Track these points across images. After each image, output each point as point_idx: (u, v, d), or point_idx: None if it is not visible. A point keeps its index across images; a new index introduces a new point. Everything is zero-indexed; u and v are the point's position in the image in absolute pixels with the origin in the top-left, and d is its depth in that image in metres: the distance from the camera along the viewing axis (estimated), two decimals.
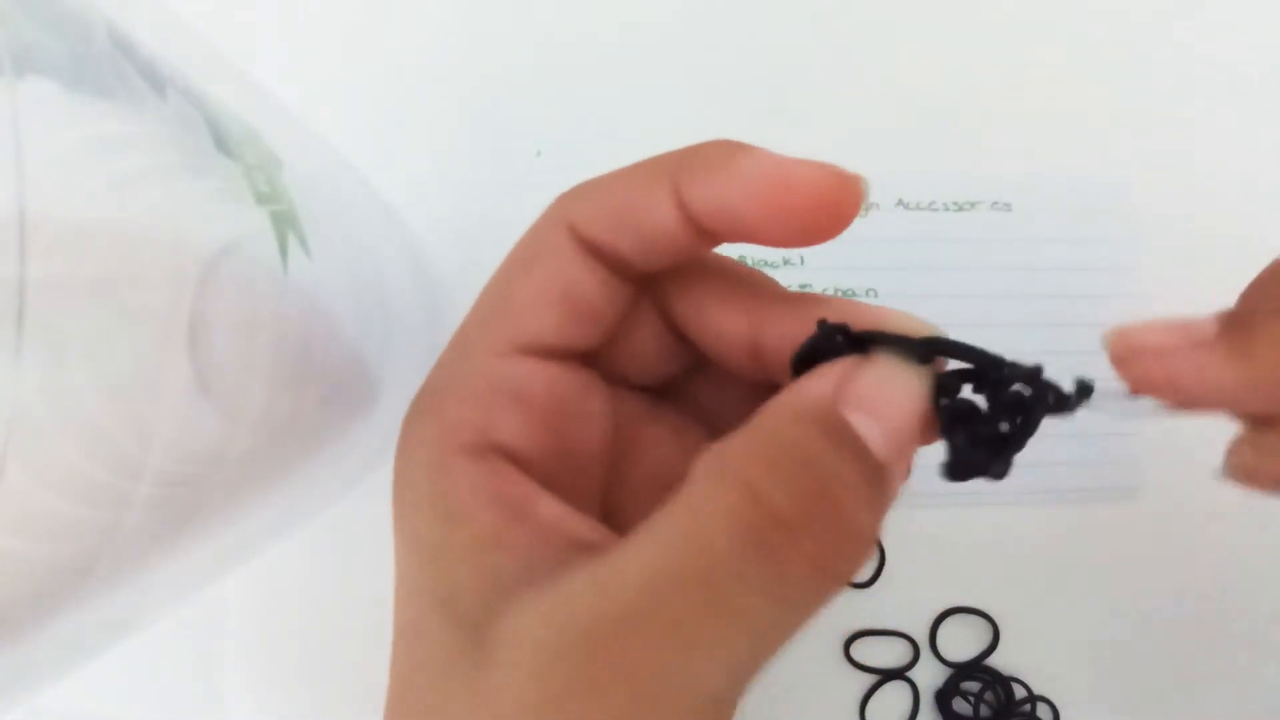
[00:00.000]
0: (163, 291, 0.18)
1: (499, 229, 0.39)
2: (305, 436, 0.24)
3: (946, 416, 0.17)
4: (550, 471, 0.20)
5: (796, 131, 0.38)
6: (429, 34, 0.39)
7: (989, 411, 0.17)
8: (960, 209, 0.37)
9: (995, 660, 0.35)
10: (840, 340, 0.18)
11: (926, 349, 0.17)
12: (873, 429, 0.16)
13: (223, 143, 0.20)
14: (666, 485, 0.19)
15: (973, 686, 0.35)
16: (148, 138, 0.19)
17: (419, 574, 0.18)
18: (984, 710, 0.35)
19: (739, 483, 0.16)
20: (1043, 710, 0.35)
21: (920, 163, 0.38)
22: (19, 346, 0.14)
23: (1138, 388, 0.19)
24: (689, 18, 0.39)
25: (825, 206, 0.18)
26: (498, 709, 0.16)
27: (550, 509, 0.18)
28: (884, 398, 0.17)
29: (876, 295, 0.35)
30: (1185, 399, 0.19)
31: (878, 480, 0.16)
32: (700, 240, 0.19)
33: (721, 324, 0.20)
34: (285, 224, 0.21)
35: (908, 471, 0.18)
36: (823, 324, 0.18)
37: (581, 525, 0.18)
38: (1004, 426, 0.17)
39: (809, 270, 0.37)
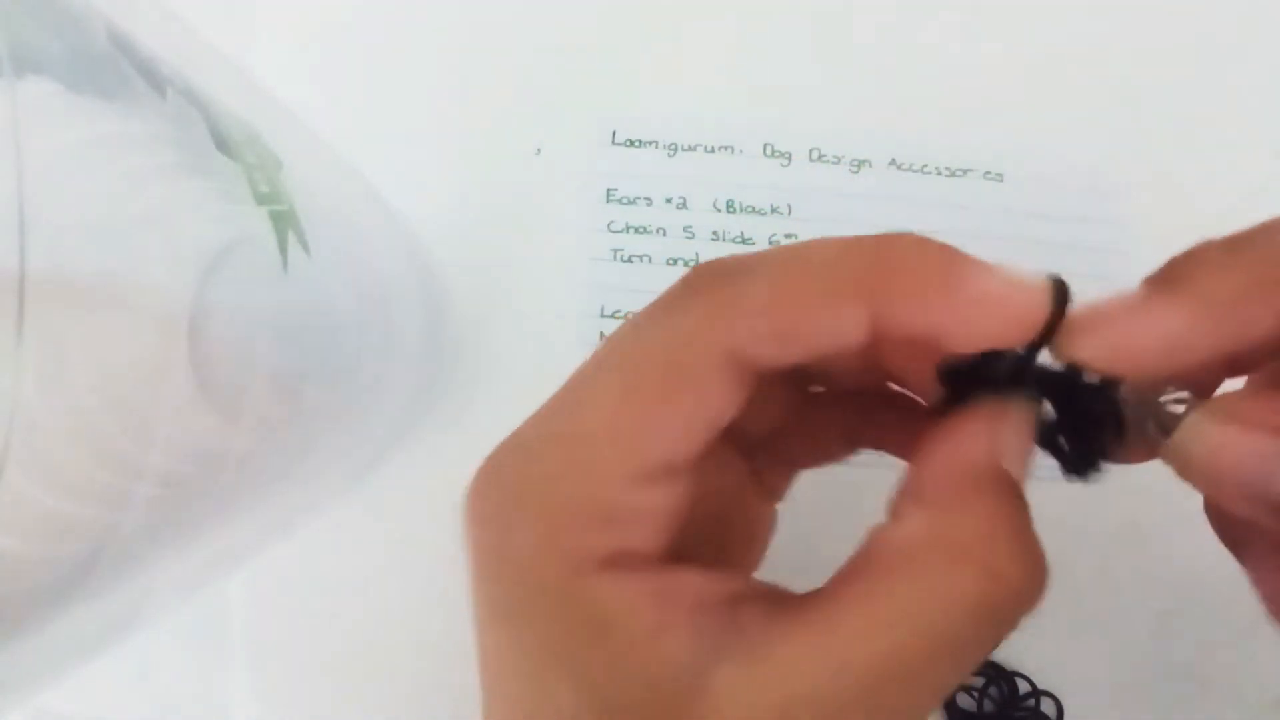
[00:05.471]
0: (163, 292, 0.18)
1: (499, 228, 0.39)
2: (305, 436, 0.24)
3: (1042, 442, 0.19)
4: (669, 552, 0.19)
5: (797, 99, 0.38)
6: (428, 33, 0.39)
7: (1060, 424, 0.19)
8: (953, 174, 0.37)
9: (999, 655, 0.35)
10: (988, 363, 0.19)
11: (1027, 375, 0.19)
12: (1018, 471, 0.18)
13: (223, 143, 0.20)
14: (715, 505, 0.21)
15: (976, 681, 0.35)
16: (148, 138, 0.19)
17: (561, 689, 0.18)
18: (988, 705, 0.35)
19: (981, 568, 0.17)
20: (1047, 705, 0.35)
21: (915, 125, 0.38)
22: (19, 346, 0.14)
23: (1094, 367, 0.18)
24: (689, 11, 0.39)
25: (1033, 326, 0.18)
26: None
27: (693, 581, 0.18)
28: (1021, 442, 0.19)
29: None
30: (1135, 364, 0.18)
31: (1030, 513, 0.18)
32: (876, 345, 0.18)
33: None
34: (285, 224, 0.21)
35: None
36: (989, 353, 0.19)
37: (721, 582, 0.18)
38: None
39: (795, 221, 0.37)
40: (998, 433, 0.18)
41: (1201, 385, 0.19)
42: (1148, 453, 0.20)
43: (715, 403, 0.18)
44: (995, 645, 0.17)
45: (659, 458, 0.18)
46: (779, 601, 0.18)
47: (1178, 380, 0.18)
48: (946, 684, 0.17)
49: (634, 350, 0.18)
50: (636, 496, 0.18)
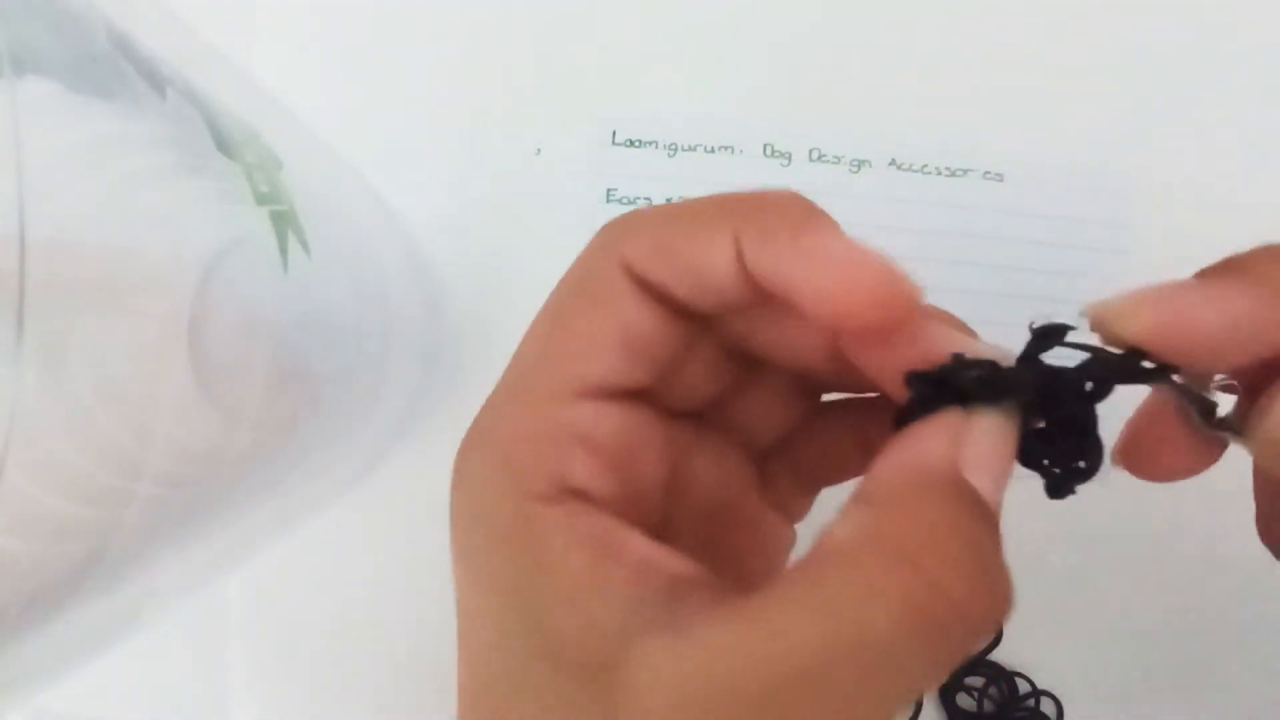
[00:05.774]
0: (162, 291, 0.18)
1: (499, 228, 0.39)
2: (305, 436, 0.24)
3: (1026, 452, 0.18)
4: (622, 510, 0.19)
5: (797, 99, 0.38)
6: (428, 33, 0.39)
7: (1049, 430, 0.19)
8: (953, 174, 0.37)
9: (998, 655, 0.35)
10: (963, 372, 0.18)
11: (1013, 384, 0.18)
12: (987, 486, 0.17)
13: (223, 143, 0.20)
14: (715, 508, 0.22)
15: (976, 681, 0.35)
16: (148, 138, 0.19)
17: (510, 625, 0.18)
18: (988, 705, 0.35)
19: (916, 572, 0.16)
20: (1046, 705, 0.35)
21: (916, 125, 0.38)
22: (19, 346, 0.14)
23: (1154, 348, 0.17)
24: (689, 11, 0.39)
25: (883, 312, 0.18)
26: None
27: (639, 545, 0.18)
28: (992, 454, 0.18)
29: None
30: (1197, 346, 0.17)
31: (999, 533, 0.17)
32: (757, 294, 0.19)
33: (804, 340, 0.20)
34: (285, 224, 0.21)
35: None
36: (959, 359, 0.18)
37: (672, 559, 0.18)
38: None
39: None
40: (962, 440, 0.18)
41: (1250, 382, 0.18)
42: (1202, 456, 0.19)
43: (621, 311, 0.19)
44: (940, 666, 0.16)
45: (582, 371, 0.19)
46: (727, 593, 0.17)
47: (1231, 374, 0.18)
48: (880, 697, 0.16)
49: (555, 289, 0.20)
50: (568, 412, 0.19)
